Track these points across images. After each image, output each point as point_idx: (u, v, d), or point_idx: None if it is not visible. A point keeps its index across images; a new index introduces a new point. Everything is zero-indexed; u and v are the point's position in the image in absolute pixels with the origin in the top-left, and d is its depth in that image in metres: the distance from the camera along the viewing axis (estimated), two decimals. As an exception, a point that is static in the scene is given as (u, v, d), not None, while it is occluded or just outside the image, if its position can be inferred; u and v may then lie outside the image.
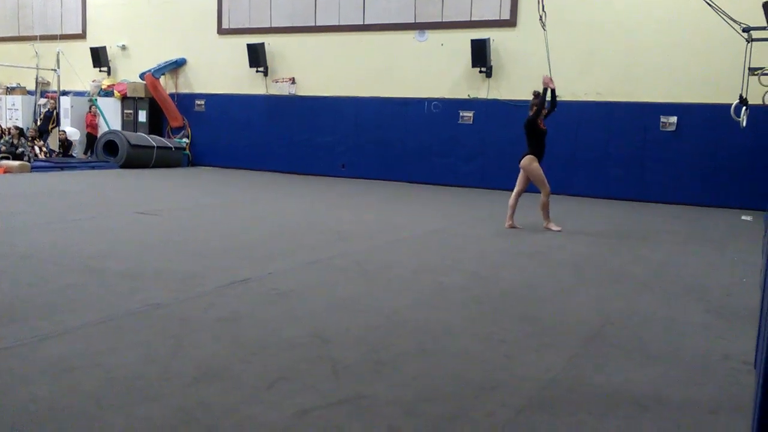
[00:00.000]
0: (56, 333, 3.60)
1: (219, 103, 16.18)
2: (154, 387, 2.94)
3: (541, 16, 8.26)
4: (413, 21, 13.99)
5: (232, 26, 15.92)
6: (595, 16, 12.31)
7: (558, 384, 3.17)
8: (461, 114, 13.52)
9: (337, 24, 14.76)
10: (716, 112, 11.30)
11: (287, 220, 8.35)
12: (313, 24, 15.03)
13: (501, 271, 5.73)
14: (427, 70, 13.78)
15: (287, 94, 15.29)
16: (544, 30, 8.73)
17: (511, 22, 13.02)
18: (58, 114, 16.29)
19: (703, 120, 11.60)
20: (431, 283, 5.18)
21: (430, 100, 13.85)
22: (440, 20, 13.76)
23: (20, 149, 13.92)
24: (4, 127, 14.80)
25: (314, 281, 5.07)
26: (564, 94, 12.57)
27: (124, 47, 17.27)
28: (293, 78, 15.26)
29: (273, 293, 4.63)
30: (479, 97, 13.37)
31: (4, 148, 13.54)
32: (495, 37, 13.13)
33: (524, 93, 12.95)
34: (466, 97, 13.42)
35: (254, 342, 3.59)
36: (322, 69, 14.91)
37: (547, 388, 3.12)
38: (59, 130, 15.89)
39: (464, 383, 3.14)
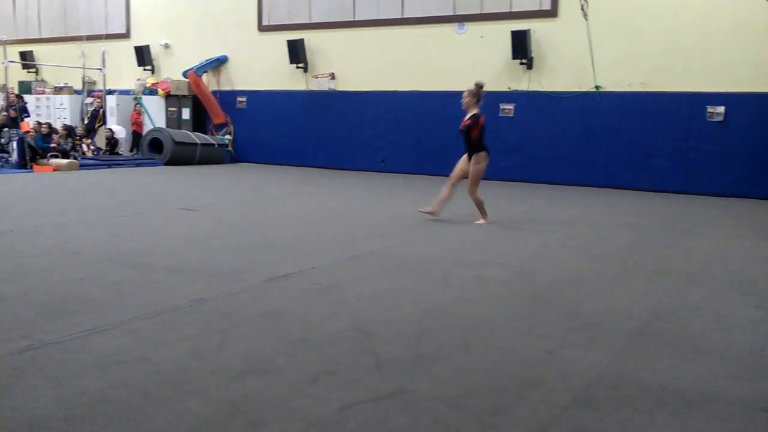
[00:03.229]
0: (105, 327, 3.69)
1: (260, 99, 16.35)
2: (200, 381, 2.99)
3: (582, 6, 8.08)
4: (452, 13, 13.91)
5: (272, 23, 16.06)
6: (637, 3, 12.05)
7: (603, 380, 3.13)
8: (501, 107, 13.39)
9: (375, 18, 14.77)
10: (766, 101, 11.01)
11: (327, 215, 8.40)
12: (352, 19, 15.06)
13: (544, 265, 5.67)
14: (467, 62, 13.68)
15: (327, 89, 15.36)
16: (586, 20, 8.55)
17: (551, 12, 12.84)
18: (104, 112, 16.67)
19: (753, 110, 11.28)
20: (472, 276, 5.15)
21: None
22: (479, 12, 13.65)
23: (69, 147, 14.28)
24: (54, 126, 15.18)
25: (355, 275, 5.10)
26: (606, 85, 12.39)
27: (167, 46, 17.57)
28: (333, 73, 15.32)
29: (315, 288, 4.67)
30: (520, 89, 13.22)
31: (54, 145, 13.91)
32: (535, 27, 12.96)
33: (566, 84, 12.79)
34: (507, 89, 13.29)
35: (298, 336, 3.63)
36: (362, 64, 14.94)
37: (593, 384, 3.08)
38: (106, 129, 16.26)
39: (507, 378, 3.12)
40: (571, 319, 4.11)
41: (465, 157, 7.90)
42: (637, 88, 12.16)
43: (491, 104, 13.58)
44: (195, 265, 5.27)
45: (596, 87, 12.41)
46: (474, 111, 7.70)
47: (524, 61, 13.00)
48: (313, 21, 15.53)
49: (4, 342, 3.39)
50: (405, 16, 14.44)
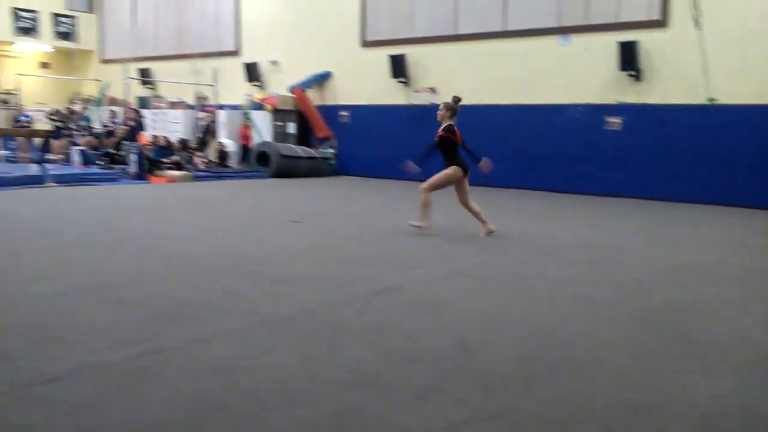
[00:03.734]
0: (219, 334, 3.84)
1: (362, 113, 16.64)
2: (309, 390, 3.06)
3: (694, 15, 7.69)
4: (556, 25, 13.66)
5: (375, 38, 16.33)
6: (752, 11, 11.39)
7: (724, 412, 2.96)
8: (608, 120, 13.01)
9: (477, 32, 14.73)
10: None
11: (429, 229, 8.39)
12: (453, 33, 15.09)
13: (656, 286, 5.44)
14: (571, 75, 13.40)
15: (428, 103, 15.42)
16: (699, 29, 8.15)
17: (661, 23, 12.36)
18: (215, 126, 17.43)
19: None
20: (579, 296, 5.01)
21: (572, 106, 13.46)
22: (584, 23, 13.34)
23: (182, 160, 15.03)
24: (170, 140, 16.01)
25: (458, 291, 5.07)
26: (722, 98, 11.78)
27: (274, 62, 18.21)
28: (434, 87, 15.38)
29: (418, 302, 4.68)
30: (627, 101, 12.80)
31: (168, 161, 14.66)
32: (643, 38, 12.52)
33: (677, 96, 12.27)
34: (614, 102, 12.89)
35: (402, 351, 3.65)
36: (463, 77, 14.91)
37: (712, 415, 2.92)
38: (217, 142, 17.00)
39: (618, 404, 3.01)
40: (688, 344, 3.91)
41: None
42: (753, 100, 11.47)
43: (596, 117, 13.24)
44: (302, 276, 5.41)
45: (710, 99, 11.82)
46: (448, 123, 7.74)
47: (632, 72, 12.58)
48: (415, 36, 15.66)
49: (125, 345, 3.60)
50: (507, 29, 14.32)
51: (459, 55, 14.98)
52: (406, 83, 15.77)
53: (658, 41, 12.41)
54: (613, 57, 12.73)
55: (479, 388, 3.13)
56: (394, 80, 15.84)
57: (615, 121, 12.98)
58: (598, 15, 13.16)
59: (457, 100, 7.87)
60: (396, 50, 15.74)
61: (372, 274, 5.55)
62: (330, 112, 17.17)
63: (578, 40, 13.40)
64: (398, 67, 15.65)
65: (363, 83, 16.55)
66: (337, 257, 6.31)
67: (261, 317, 4.20)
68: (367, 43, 16.49)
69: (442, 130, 7.75)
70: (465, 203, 7.87)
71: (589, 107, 13.28)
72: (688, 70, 11.99)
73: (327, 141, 17.10)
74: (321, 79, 17.27)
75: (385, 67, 15.84)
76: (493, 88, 14.43)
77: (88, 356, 3.39)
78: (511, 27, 14.24)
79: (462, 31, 14.95)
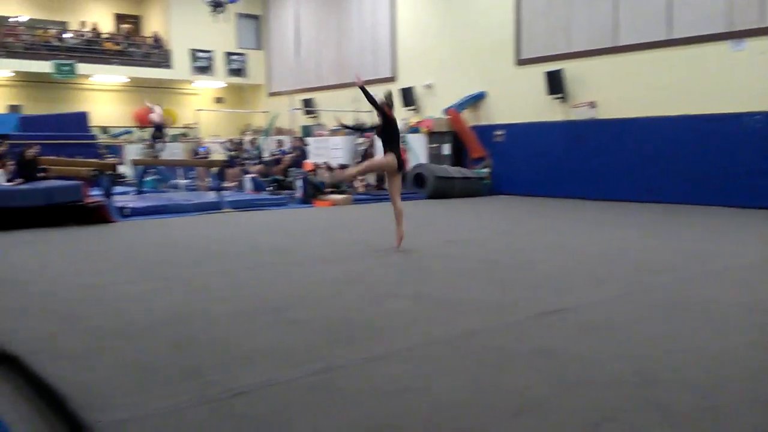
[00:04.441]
0: (387, 355, 3.94)
1: (517, 132, 16.46)
2: (479, 416, 3.06)
3: None
4: (727, 30, 12.76)
5: (530, 56, 16.14)
6: None
7: None
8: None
9: (639, 42, 14.11)
10: None
11: (590, 248, 8.12)
12: (613, 45, 14.56)
13: None
14: (743, 81, 12.44)
15: (587, 118, 14.97)
16: None
17: None
18: (373, 151, 17.97)
19: None
20: (762, 322, 4.61)
21: (749, 115, 12.46)
22: (760, 26, 12.36)
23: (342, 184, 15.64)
24: (330, 164, 16.74)
25: (628, 315, 4.85)
26: None
27: (429, 86, 18.54)
28: (593, 101, 14.90)
29: (586, 326, 4.52)
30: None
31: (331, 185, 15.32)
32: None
33: None
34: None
35: (573, 376, 3.54)
36: (624, 90, 14.34)
37: None
38: (375, 166, 17.52)
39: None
40: None
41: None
42: None
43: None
44: (464, 298, 5.42)
45: None
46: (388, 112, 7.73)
47: (819, 75, 11.46)
48: (573, 50, 15.29)
49: (300, 363, 3.79)
50: (672, 37, 13.58)
51: (620, 66, 14.42)
52: (563, 99, 15.42)
53: None
54: (795, 59, 11.69)
55: (660, 419, 2.97)
56: (550, 97, 15.55)
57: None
58: (776, 15, 12.16)
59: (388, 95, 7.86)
60: (552, 66, 15.45)
61: (535, 296, 5.45)
62: (485, 131, 17.15)
63: (753, 44, 12.44)
64: (555, 83, 15.34)
65: (518, 101, 16.39)
66: (497, 278, 6.26)
67: (425, 339, 4.26)
68: (522, 61, 16.34)
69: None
70: (393, 198, 8.02)
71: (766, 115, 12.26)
72: None
73: (482, 161, 17.08)
74: (475, 100, 17.33)
75: (541, 83, 15.59)
76: (656, 99, 13.74)
77: (270, 373, 3.61)
78: (677, 35, 13.49)
79: (623, 42, 14.39)
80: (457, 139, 17.55)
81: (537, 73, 15.72)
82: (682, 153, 13.38)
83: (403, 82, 19.26)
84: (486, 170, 16.90)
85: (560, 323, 4.62)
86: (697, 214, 11.55)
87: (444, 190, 15.72)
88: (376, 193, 16.17)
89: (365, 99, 7.67)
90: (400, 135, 7.85)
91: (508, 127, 16.70)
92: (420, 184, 16.06)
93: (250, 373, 3.60)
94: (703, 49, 13.09)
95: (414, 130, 18.13)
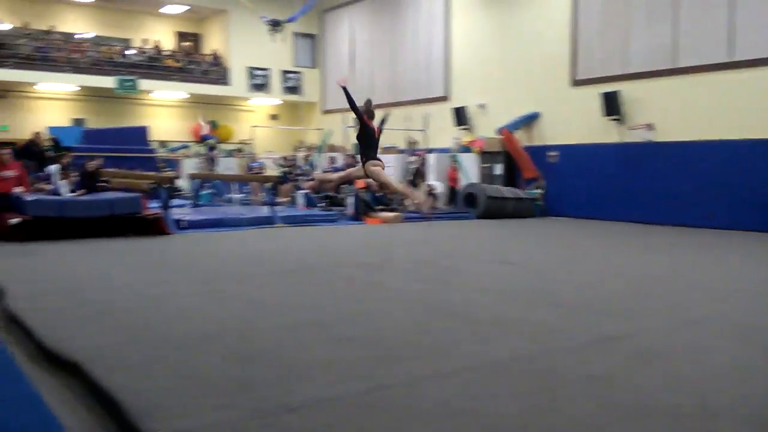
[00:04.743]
0: (437, 375, 3.91)
1: (571, 153, 16.26)
2: (533, 440, 3.01)
3: None
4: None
5: (586, 76, 15.95)
6: None
7: None
8: None
9: (698, 64, 13.81)
10: None
11: (647, 273, 7.93)
12: (672, 66, 14.29)
13: None
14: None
15: (644, 140, 14.69)
16: None
17: None
18: (424, 170, 18.01)
19: None
20: (836, 356, 4.42)
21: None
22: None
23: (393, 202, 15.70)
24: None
25: (689, 343, 4.71)
26: None
27: (482, 105, 18.50)
28: (650, 123, 14.62)
29: (645, 353, 4.40)
30: None
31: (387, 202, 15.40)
32: None
33: None
34: None
35: (631, 405, 3.45)
36: (682, 112, 14.04)
37: None
38: (426, 184, 17.53)
39: None
40: None
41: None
42: None
43: None
44: (514, 320, 5.35)
45: None
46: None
47: None
48: (630, 71, 15.06)
49: (351, 380, 3.80)
50: (734, 59, 13.25)
51: (679, 88, 14.12)
52: (619, 120, 15.17)
53: None
54: None
55: (722, 453, 2.88)
56: (606, 118, 15.32)
57: None
58: None
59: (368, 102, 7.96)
60: (609, 87, 15.24)
61: (590, 321, 5.34)
62: (538, 152, 16.99)
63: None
64: (611, 105, 15.12)
65: (572, 122, 16.20)
66: (550, 301, 6.16)
67: (475, 360, 4.22)
68: (577, 82, 16.17)
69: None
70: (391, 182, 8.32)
71: None
72: None
73: (535, 181, 16.91)
74: (529, 120, 17.20)
75: (597, 104, 15.39)
76: (717, 122, 13.40)
77: (322, 389, 3.63)
78: (739, 57, 13.16)
79: (682, 63, 14.10)
80: (509, 159, 17.43)
81: (592, 94, 15.52)
82: (741, 178, 12.99)
83: (456, 101, 19.27)
84: (538, 191, 16.72)
85: (617, 350, 4.51)
86: (755, 242, 11.17)
87: (496, 210, 15.61)
88: (427, 212, 16.16)
89: (347, 101, 7.74)
90: (378, 145, 7.96)
91: (562, 148, 16.51)
92: (471, 204, 15.99)
93: (302, 389, 3.63)
94: (765, 72, 12.73)
95: (466, 149, 18.10)
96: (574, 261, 9.11)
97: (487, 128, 18.08)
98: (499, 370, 4.03)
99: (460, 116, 18.93)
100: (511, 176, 17.44)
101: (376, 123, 7.87)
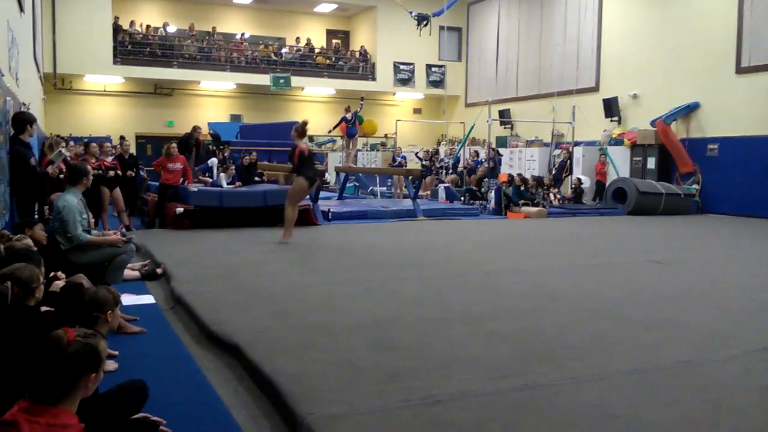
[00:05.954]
0: (592, 377, 3.77)
1: (734, 146, 15.10)
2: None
3: None
4: None
5: (754, 63, 14.72)
6: None
7: None
8: None
9: None
10: None
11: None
12: None
13: None
14: None
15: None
16: None
17: None
18: (571, 163, 17.45)
19: None
20: None
21: None
22: None
23: (536, 197, 15.35)
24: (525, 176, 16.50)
25: None
26: None
27: (635, 96, 17.61)
28: (829, 113, 13.27)
29: (823, 367, 4.02)
30: None
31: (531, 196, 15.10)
32: None
33: None
34: None
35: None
36: None
37: None
38: (573, 178, 16.99)
39: None
40: None
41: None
42: None
43: None
44: (672, 323, 5.06)
45: None
46: (296, 143, 8.98)
47: None
48: (806, 56, 13.74)
49: (503, 377, 3.74)
50: None
51: None
52: (791, 111, 13.89)
53: None
54: None
55: None
56: (776, 108, 14.08)
57: None
58: None
59: (304, 123, 9.11)
60: (780, 74, 13.99)
61: (758, 328, 4.94)
62: (696, 145, 15.93)
63: None
64: (782, 93, 13.87)
65: (737, 113, 15.01)
66: (713, 305, 5.76)
67: (634, 364, 4.02)
68: (742, 70, 14.95)
69: (291, 149, 9.13)
70: (291, 204, 9.24)
71: None
72: None
73: (692, 176, 15.87)
74: (687, 111, 16.14)
75: (764, 94, 14.15)
76: None
77: (470, 384, 3.62)
78: None
79: None
80: (663, 152, 16.47)
81: (761, 82, 14.30)
82: None
83: (605, 93, 18.47)
84: (695, 187, 15.68)
85: (790, 360, 4.14)
86: None
87: (647, 206, 14.82)
88: (572, 206, 15.66)
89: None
90: (315, 160, 9.38)
91: (723, 141, 15.36)
92: (620, 199, 15.28)
93: (449, 382, 3.63)
94: None
95: (616, 142, 17.32)
96: (737, 261, 8.46)
97: (639, 119, 17.20)
98: (657, 376, 3.82)
99: (611, 107, 18.12)
100: (666, 170, 16.47)
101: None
